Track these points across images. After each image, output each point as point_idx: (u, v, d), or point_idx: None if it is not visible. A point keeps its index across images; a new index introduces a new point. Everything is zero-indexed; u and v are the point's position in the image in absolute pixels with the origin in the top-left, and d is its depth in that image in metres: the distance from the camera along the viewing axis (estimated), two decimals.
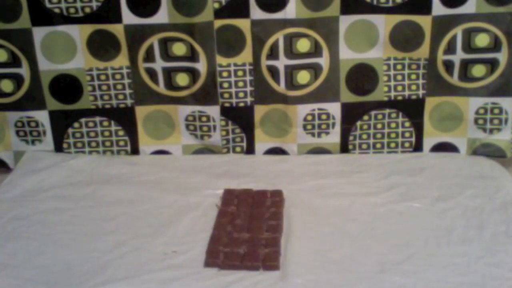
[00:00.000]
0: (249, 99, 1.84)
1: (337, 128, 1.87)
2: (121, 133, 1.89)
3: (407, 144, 1.89)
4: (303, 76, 1.81)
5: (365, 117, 1.86)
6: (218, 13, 1.73)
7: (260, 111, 1.86)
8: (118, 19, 1.73)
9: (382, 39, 1.77)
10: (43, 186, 1.72)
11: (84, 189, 1.69)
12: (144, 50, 1.78)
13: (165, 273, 1.32)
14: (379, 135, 1.89)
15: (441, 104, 1.84)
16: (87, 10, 1.72)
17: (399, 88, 1.83)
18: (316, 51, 1.78)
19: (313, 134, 1.88)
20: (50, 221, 1.54)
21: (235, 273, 1.31)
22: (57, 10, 1.72)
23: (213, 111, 1.85)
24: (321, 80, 1.82)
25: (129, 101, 1.85)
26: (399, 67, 1.81)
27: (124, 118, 1.88)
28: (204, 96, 1.83)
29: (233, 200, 1.60)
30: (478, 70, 1.78)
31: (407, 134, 1.88)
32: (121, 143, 1.90)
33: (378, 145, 1.90)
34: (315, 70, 1.80)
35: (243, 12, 1.74)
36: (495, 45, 1.74)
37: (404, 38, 1.77)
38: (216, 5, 1.72)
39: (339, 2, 1.72)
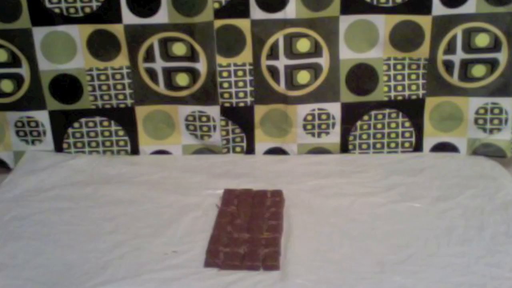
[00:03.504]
0: (249, 99, 1.84)
1: (337, 128, 1.87)
2: (121, 133, 1.89)
3: (407, 144, 1.89)
4: (303, 76, 1.81)
5: (365, 117, 1.86)
6: (218, 13, 1.73)
7: (260, 111, 1.86)
8: (118, 19, 1.73)
9: (382, 39, 1.77)
10: (43, 186, 1.71)
11: (84, 189, 1.69)
12: (144, 50, 1.78)
13: (165, 273, 1.32)
14: (379, 135, 1.88)
15: (441, 104, 1.84)
16: (87, 10, 1.72)
17: (399, 88, 1.82)
18: (316, 51, 1.78)
19: (313, 134, 1.88)
20: (50, 221, 1.54)
21: (235, 273, 1.31)
22: (57, 10, 1.72)
23: (213, 111, 1.85)
24: (321, 80, 1.81)
25: (129, 101, 1.85)
26: (399, 67, 1.81)
27: (124, 118, 1.87)
28: (204, 96, 1.83)
29: (233, 200, 1.59)
30: (478, 70, 1.78)
31: (407, 134, 1.88)
32: (121, 143, 1.90)
33: (378, 145, 1.90)
34: (315, 70, 1.80)
35: (243, 12, 1.73)
36: (495, 45, 1.74)
37: (404, 38, 1.77)
38: (216, 5, 1.72)
39: (339, 2, 1.72)
